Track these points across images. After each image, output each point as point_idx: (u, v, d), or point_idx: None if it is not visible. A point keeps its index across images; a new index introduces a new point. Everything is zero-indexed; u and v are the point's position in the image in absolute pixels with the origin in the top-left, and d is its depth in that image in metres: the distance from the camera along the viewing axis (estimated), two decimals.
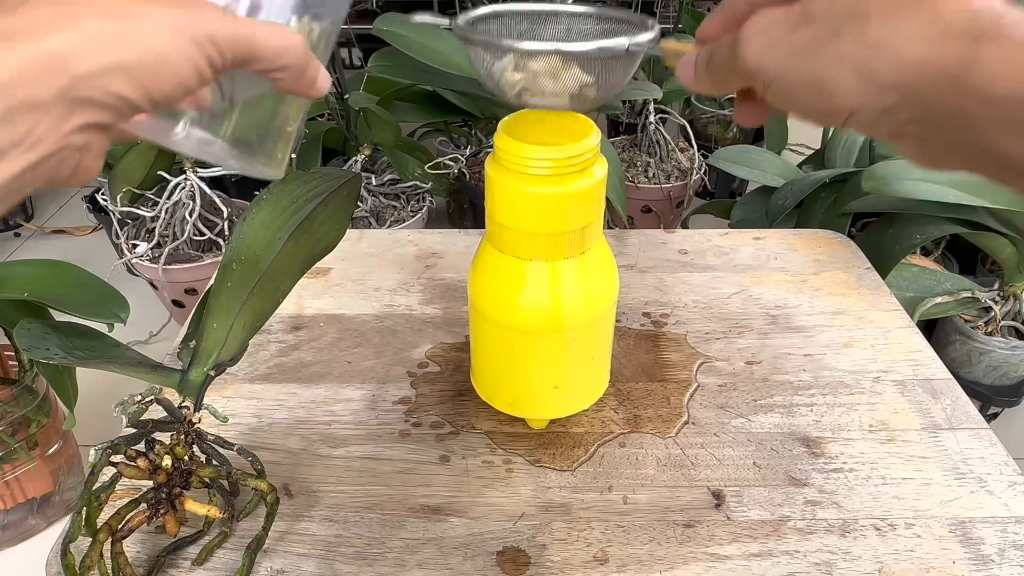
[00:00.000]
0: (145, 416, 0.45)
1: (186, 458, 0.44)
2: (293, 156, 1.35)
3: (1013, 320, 1.11)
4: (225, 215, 1.33)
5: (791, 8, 0.27)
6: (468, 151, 1.52)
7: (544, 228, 0.44)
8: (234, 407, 0.58)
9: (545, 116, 0.45)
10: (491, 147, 1.80)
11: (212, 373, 0.45)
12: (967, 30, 0.24)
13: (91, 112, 0.23)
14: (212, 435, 0.48)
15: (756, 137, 1.73)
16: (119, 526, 0.43)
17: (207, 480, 0.46)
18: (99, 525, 0.43)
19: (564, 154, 0.41)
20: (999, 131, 0.24)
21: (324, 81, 0.30)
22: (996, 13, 0.24)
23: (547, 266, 0.45)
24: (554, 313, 0.46)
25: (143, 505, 0.44)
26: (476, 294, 0.49)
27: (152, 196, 1.37)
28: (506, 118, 0.45)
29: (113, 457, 0.43)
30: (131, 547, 0.47)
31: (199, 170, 1.30)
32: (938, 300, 1.06)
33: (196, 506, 0.45)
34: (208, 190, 1.30)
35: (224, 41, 0.25)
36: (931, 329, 1.21)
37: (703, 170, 1.63)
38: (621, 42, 0.35)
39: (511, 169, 0.43)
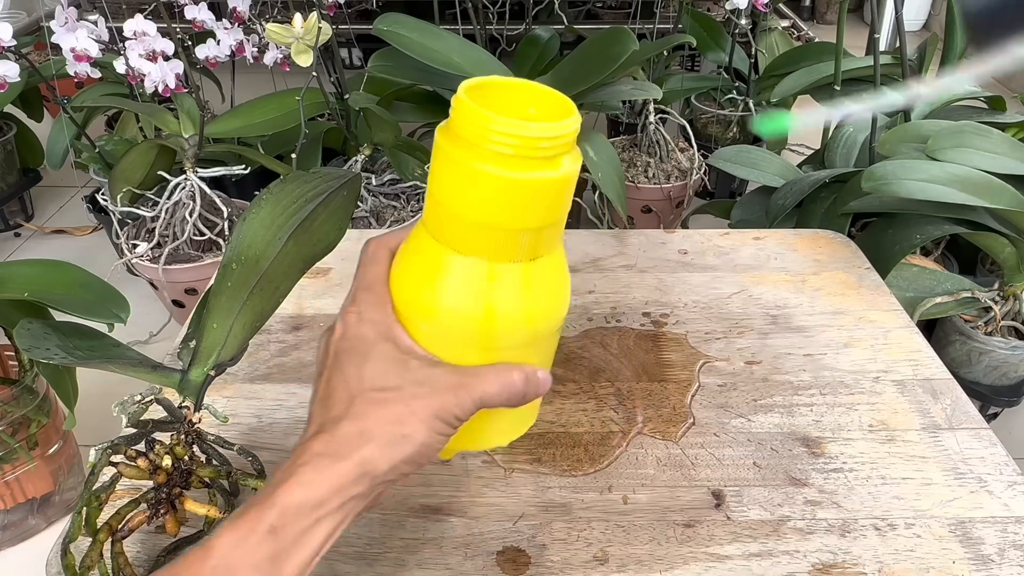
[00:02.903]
0: (145, 416, 0.45)
1: (186, 458, 0.44)
2: (293, 156, 1.34)
3: (1013, 320, 1.11)
4: (225, 215, 1.33)
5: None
6: None
7: (492, 219, 0.36)
8: (234, 407, 0.58)
9: (520, 87, 0.38)
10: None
11: (212, 373, 0.45)
12: None
13: (387, 484, 0.36)
14: (212, 435, 0.48)
15: (756, 137, 1.73)
16: (119, 526, 0.43)
17: (207, 480, 0.46)
18: (99, 525, 0.43)
19: (535, 133, 0.34)
20: None
21: (544, 386, 0.38)
22: None
23: (486, 266, 0.37)
24: (485, 324, 0.37)
25: (143, 505, 0.44)
26: (397, 284, 0.40)
27: (152, 196, 1.37)
28: (471, 80, 0.37)
29: (113, 457, 0.43)
30: (131, 547, 0.47)
31: (199, 170, 1.30)
32: (938, 300, 1.06)
33: (196, 506, 0.45)
34: (208, 190, 1.30)
35: (465, 412, 0.35)
36: (931, 329, 1.21)
37: (703, 170, 1.63)
38: None
39: (465, 139, 0.35)
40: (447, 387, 0.36)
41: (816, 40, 1.84)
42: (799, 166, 1.32)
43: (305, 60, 1.15)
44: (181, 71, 1.26)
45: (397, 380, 0.36)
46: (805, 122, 0.62)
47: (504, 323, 0.38)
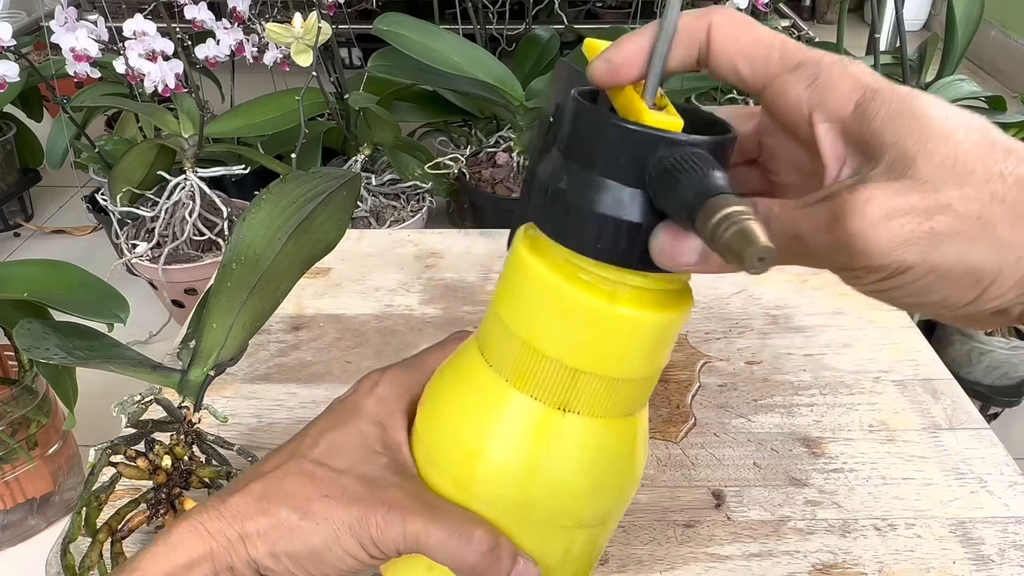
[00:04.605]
0: (145, 416, 0.45)
1: (186, 458, 0.44)
2: (293, 156, 1.35)
3: None
4: (225, 215, 1.33)
5: (910, 195, 0.22)
6: (468, 151, 1.52)
7: (606, 368, 0.27)
8: (234, 407, 0.58)
9: None
10: (492, 147, 1.80)
11: (212, 373, 0.45)
12: None
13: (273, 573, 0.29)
14: (212, 435, 0.48)
15: None
16: (119, 526, 0.43)
17: (207, 480, 0.46)
18: (99, 525, 0.43)
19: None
20: None
21: (493, 564, 0.28)
22: None
23: (585, 423, 0.28)
24: (467, 458, 0.29)
25: (143, 505, 0.44)
26: (426, 389, 0.32)
27: (152, 196, 1.37)
28: None
29: (113, 457, 0.43)
30: (131, 547, 0.47)
31: (199, 170, 1.30)
32: None
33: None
34: (208, 190, 1.30)
35: (387, 544, 0.28)
36: (931, 329, 1.21)
37: None
38: None
39: (571, 264, 0.26)
40: (385, 501, 0.28)
41: (816, 40, 1.84)
42: None
43: (305, 60, 1.15)
44: (181, 71, 1.26)
45: (344, 463, 0.30)
46: None
47: (493, 466, 0.29)
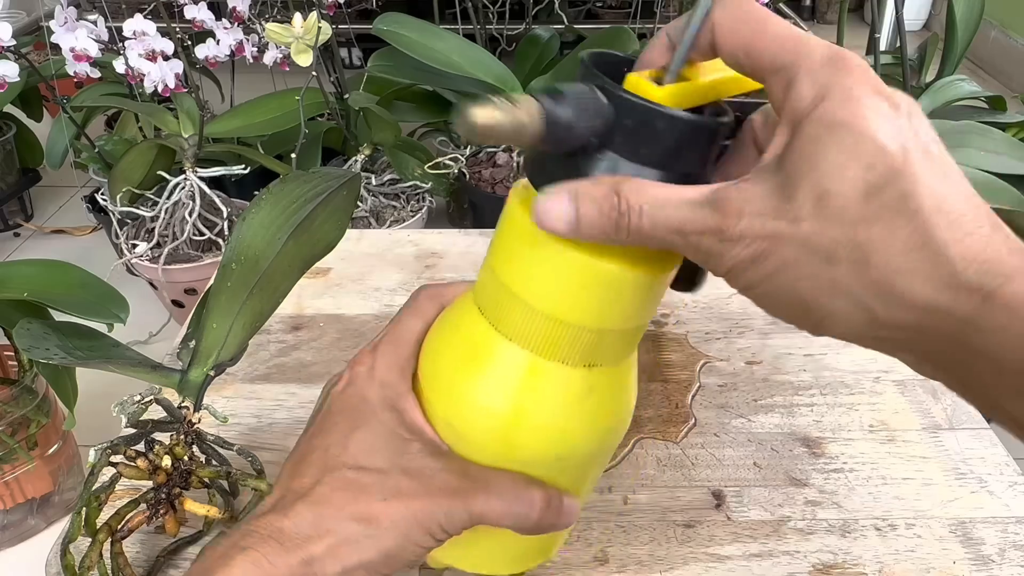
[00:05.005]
0: (145, 416, 0.45)
1: (186, 458, 0.44)
2: (293, 156, 1.35)
3: None
4: (225, 215, 1.33)
5: (781, 211, 0.22)
6: (468, 151, 1.52)
7: (590, 319, 0.28)
8: (234, 407, 0.58)
9: None
10: (492, 147, 1.80)
11: (212, 373, 0.45)
12: (979, 283, 0.21)
13: None
14: (212, 435, 0.48)
15: None
16: (119, 526, 0.43)
17: (207, 480, 0.46)
18: (99, 525, 0.43)
19: None
20: (1006, 395, 0.21)
21: (568, 518, 0.31)
22: (1004, 272, 0.21)
23: (527, 359, 0.30)
24: (510, 426, 0.30)
25: (143, 505, 0.44)
26: (425, 351, 0.33)
27: (152, 196, 1.37)
28: None
29: (112, 457, 0.43)
30: (131, 547, 0.47)
31: (199, 170, 1.30)
32: None
33: (196, 506, 0.45)
34: (208, 190, 1.30)
35: (455, 526, 0.29)
36: None
37: None
38: None
39: None
40: (441, 489, 0.29)
41: None
42: None
43: (305, 60, 1.15)
44: (181, 71, 1.26)
45: (384, 461, 0.29)
46: None
47: (532, 432, 0.30)
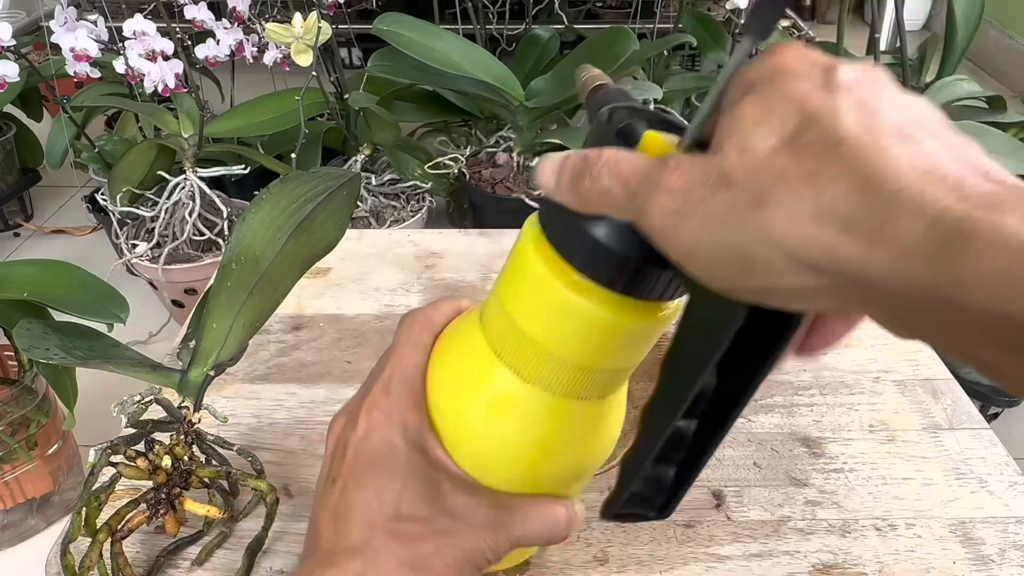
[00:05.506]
0: (145, 416, 0.45)
1: (186, 458, 0.44)
2: (293, 156, 1.35)
3: None
4: (225, 215, 1.33)
5: (709, 164, 0.21)
6: (468, 151, 1.52)
7: (583, 358, 0.29)
8: (234, 407, 0.58)
9: None
10: (492, 147, 1.80)
11: (212, 373, 0.45)
12: (934, 217, 0.18)
13: None
14: (212, 435, 0.48)
15: None
16: (119, 526, 0.43)
17: (207, 480, 0.46)
18: (99, 525, 0.43)
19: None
20: (971, 340, 0.19)
21: (580, 523, 0.34)
22: (979, 198, 0.18)
23: (551, 401, 0.31)
24: (536, 459, 0.32)
25: (143, 505, 0.44)
26: (437, 384, 0.33)
27: (152, 196, 1.37)
28: None
29: (113, 457, 0.43)
30: (131, 547, 0.47)
31: (199, 170, 1.30)
32: None
33: (196, 506, 0.45)
34: (208, 190, 1.30)
35: (500, 555, 0.30)
36: None
37: None
38: None
39: (559, 263, 0.28)
40: (483, 525, 0.30)
41: (817, 40, 1.84)
42: None
43: (305, 60, 1.15)
44: (181, 71, 1.26)
45: (425, 508, 0.30)
46: None
47: (557, 461, 0.32)
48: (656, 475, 0.29)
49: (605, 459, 0.35)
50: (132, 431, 0.44)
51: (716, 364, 0.25)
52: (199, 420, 0.45)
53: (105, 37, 1.31)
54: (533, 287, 0.28)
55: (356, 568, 0.29)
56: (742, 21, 1.51)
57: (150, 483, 0.44)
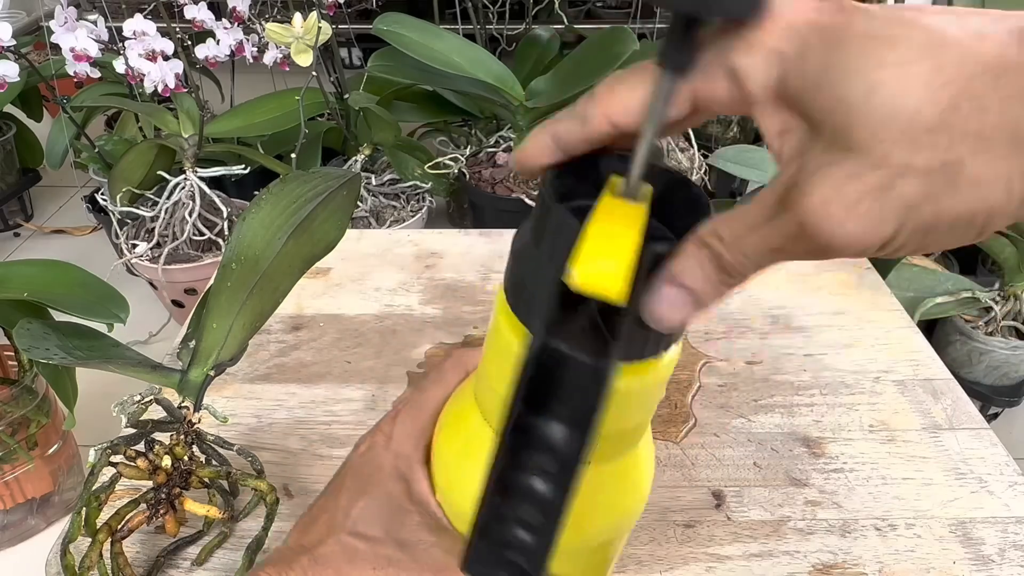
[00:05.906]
0: (145, 416, 0.45)
1: (186, 458, 0.44)
2: (293, 156, 1.35)
3: (1013, 320, 1.11)
4: (225, 215, 1.33)
5: (855, 173, 0.20)
6: (468, 151, 1.52)
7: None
8: (234, 407, 0.58)
9: None
10: (492, 147, 1.79)
11: (212, 373, 0.45)
12: None
13: None
14: (212, 435, 0.48)
15: (756, 137, 1.73)
16: (119, 526, 0.43)
17: (207, 480, 0.46)
18: (99, 525, 0.43)
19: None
20: None
21: None
22: None
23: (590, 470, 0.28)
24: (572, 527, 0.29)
25: (143, 505, 0.44)
26: (437, 441, 0.33)
27: (152, 196, 1.37)
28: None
29: (113, 457, 0.43)
30: (131, 547, 0.47)
31: (199, 170, 1.30)
32: (938, 300, 1.06)
33: (196, 506, 0.45)
34: (208, 190, 1.30)
35: None
36: (931, 329, 1.21)
37: (703, 170, 1.63)
38: None
39: None
40: (429, 565, 0.30)
41: None
42: None
43: (305, 60, 1.15)
44: (181, 71, 1.26)
45: (379, 531, 0.31)
46: None
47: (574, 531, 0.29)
48: (510, 537, 0.25)
49: (611, 529, 0.32)
50: (132, 431, 0.44)
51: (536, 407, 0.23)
52: (199, 420, 0.45)
53: (105, 37, 1.30)
54: (506, 356, 0.27)
55: (303, 564, 0.30)
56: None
57: (150, 483, 0.44)
